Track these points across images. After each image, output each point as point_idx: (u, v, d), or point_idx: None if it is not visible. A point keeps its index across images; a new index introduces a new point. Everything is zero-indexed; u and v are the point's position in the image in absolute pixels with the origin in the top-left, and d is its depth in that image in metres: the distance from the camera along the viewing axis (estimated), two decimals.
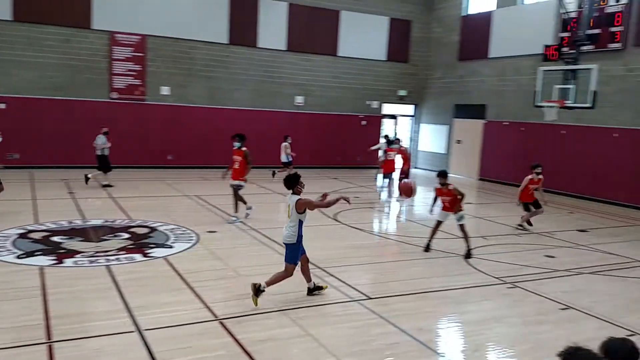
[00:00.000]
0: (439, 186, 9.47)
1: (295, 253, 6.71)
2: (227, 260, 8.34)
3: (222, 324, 5.87)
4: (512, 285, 7.84)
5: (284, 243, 6.83)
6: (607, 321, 6.57)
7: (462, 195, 9.29)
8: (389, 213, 14.02)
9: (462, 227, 9.33)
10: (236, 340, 5.46)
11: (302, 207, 6.59)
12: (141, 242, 9.21)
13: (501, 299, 7.31)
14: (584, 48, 13.93)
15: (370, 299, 6.95)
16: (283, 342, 5.54)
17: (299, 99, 21.40)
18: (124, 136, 17.63)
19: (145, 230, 10.02)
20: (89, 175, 14.51)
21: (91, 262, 7.93)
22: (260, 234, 10.17)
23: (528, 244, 10.61)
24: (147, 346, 5.24)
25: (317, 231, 11.04)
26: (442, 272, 8.42)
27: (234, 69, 20.18)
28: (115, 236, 9.48)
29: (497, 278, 8.15)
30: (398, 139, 17.95)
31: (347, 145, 22.16)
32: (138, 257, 8.33)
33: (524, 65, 18.72)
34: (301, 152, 20.25)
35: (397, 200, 15.17)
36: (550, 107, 13.41)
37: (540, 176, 11.78)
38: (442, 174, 9.48)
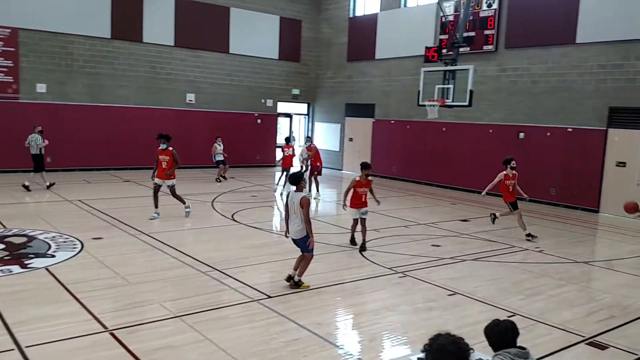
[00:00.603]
0: (359, 178, 9.57)
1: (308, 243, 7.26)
2: (116, 268, 7.90)
3: (113, 335, 5.55)
4: (403, 275, 8.22)
5: (295, 239, 7.26)
6: (490, 304, 7.10)
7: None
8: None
9: (364, 221, 9.63)
10: (129, 351, 5.19)
11: (304, 205, 7.06)
12: (19, 252, 8.45)
13: (393, 289, 7.63)
14: (462, 50, 14.92)
15: (270, 297, 6.94)
16: (180, 349, 5.36)
17: (190, 97, 20.83)
18: None
19: (22, 240, 9.20)
20: (26, 183, 14.09)
21: None
22: (152, 239, 9.75)
23: (416, 235, 11.20)
24: None
25: (213, 232, 10.83)
26: (338, 266, 8.62)
27: (118, 65, 19.18)
28: None
29: (389, 269, 8.51)
30: (309, 137, 18.18)
31: (243, 143, 21.95)
32: (16, 269, 7.63)
33: (408, 66, 19.70)
34: (196, 152, 19.76)
35: None
36: (432, 106, 14.18)
37: (515, 171, 11.32)
38: (368, 166, 9.63)
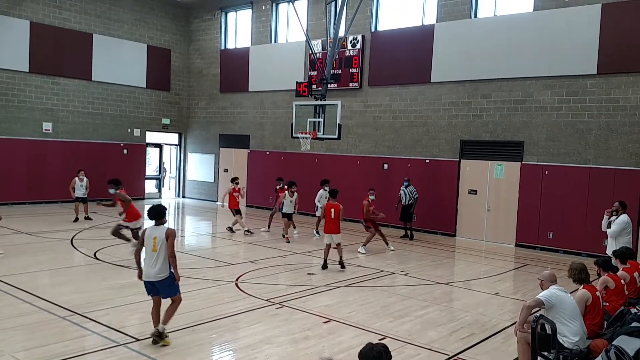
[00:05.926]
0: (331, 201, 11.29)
1: (174, 283, 6.46)
2: None
3: None
4: (280, 305, 8.22)
5: (155, 281, 6.41)
6: (362, 328, 7.33)
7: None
8: None
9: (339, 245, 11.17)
10: None
11: (171, 236, 6.40)
12: None
13: (270, 320, 7.59)
14: (330, 86, 15.64)
15: (138, 340, 6.53)
16: None
17: (47, 126, 19.27)
18: None
19: None
20: None
21: None
22: (0, 282, 8.73)
23: (293, 264, 11.30)
24: None
25: (73, 272, 10.01)
26: (214, 302, 8.38)
27: None
28: None
29: (266, 300, 8.46)
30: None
31: (108, 175, 20.46)
32: None
33: (281, 100, 20.14)
34: (53, 185, 18.26)
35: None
36: (305, 138, 14.63)
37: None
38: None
